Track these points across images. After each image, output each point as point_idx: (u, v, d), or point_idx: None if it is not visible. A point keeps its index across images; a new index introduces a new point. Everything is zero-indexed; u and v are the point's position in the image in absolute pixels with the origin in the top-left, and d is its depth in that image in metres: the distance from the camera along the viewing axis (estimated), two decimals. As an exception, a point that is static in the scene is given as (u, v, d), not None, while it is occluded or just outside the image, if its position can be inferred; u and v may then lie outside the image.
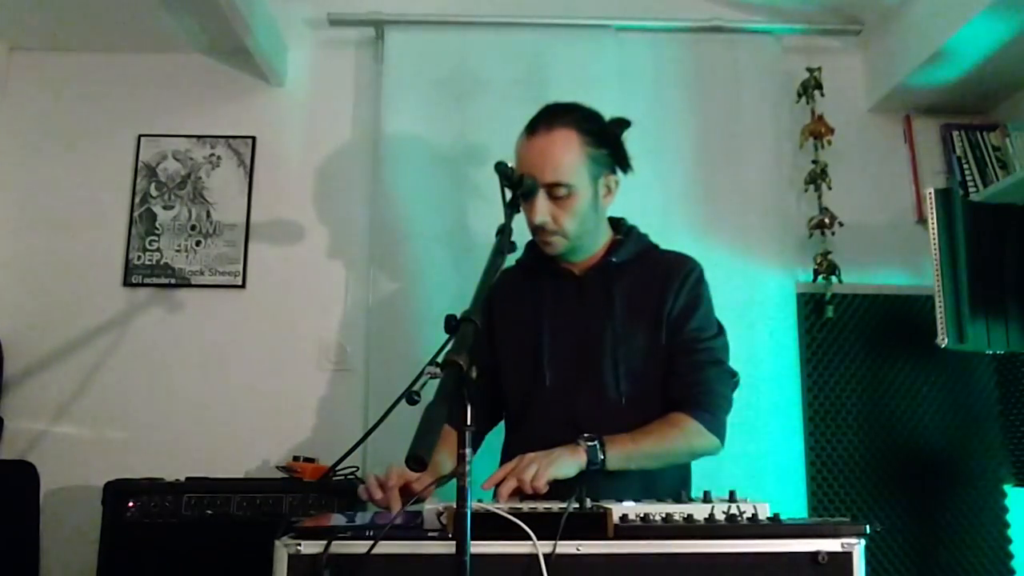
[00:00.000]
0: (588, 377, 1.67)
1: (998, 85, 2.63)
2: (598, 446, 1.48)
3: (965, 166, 2.66)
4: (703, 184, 2.63)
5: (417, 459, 0.97)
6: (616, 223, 1.81)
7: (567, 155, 1.62)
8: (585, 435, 1.50)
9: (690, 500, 1.29)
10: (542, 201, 1.61)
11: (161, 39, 2.69)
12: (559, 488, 1.38)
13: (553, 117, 1.65)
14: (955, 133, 2.70)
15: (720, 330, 1.72)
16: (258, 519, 2.08)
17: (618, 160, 1.74)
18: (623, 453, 1.51)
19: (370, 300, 2.59)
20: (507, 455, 1.73)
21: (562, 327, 1.72)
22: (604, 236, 1.77)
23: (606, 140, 1.70)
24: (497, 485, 1.40)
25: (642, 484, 1.53)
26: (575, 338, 1.70)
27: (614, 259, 1.73)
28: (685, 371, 1.65)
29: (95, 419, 2.53)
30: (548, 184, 1.61)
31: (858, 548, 1.13)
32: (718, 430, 1.63)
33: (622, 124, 1.75)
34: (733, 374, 1.71)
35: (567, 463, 1.44)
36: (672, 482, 1.61)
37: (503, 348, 1.78)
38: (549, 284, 1.76)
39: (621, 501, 1.23)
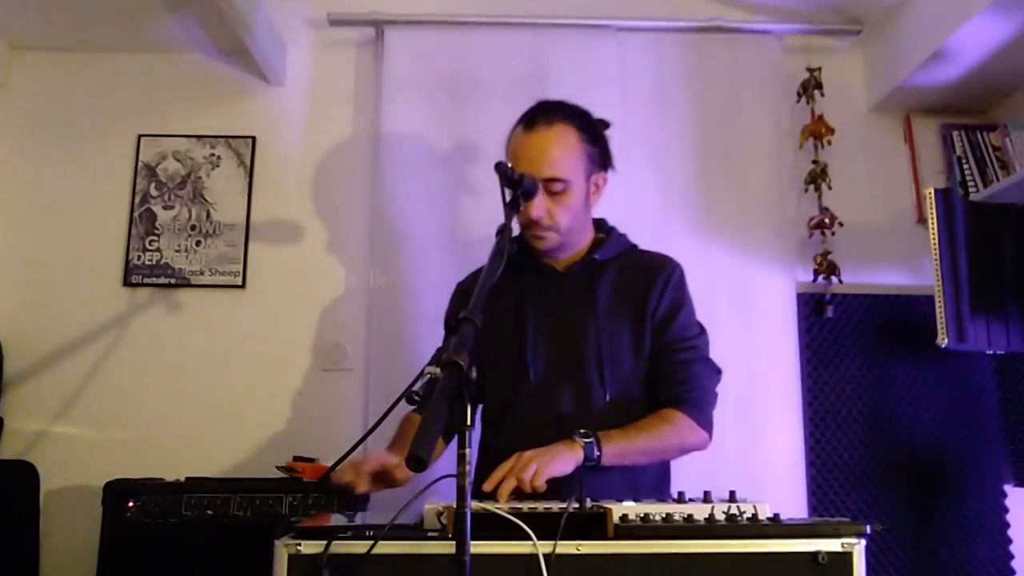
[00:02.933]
0: (572, 373, 1.67)
1: (998, 85, 2.63)
2: (594, 442, 1.48)
3: (965, 166, 2.66)
4: (703, 184, 2.63)
5: (417, 459, 0.97)
6: (597, 222, 1.83)
7: (566, 150, 1.64)
8: (581, 431, 1.49)
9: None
10: (539, 196, 1.61)
11: (161, 39, 2.69)
12: (553, 485, 1.38)
13: (552, 112, 1.67)
14: (955, 133, 2.69)
15: (702, 328, 1.75)
16: (258, 519, 2.07)
17: (606, 158, 1.76)
18: (618, 449, 1.51)
19: (370, 300, 2.58)
20: (485, 449, 1.73)
21: (545, 323, 1.72)
22: (588, 234, 1.79)
23: (597, 138, 1.72)
24: (496, 485, 1.39)
25: (625, 480, 1.54)
26: (558, 334, 1.71)
27: (597, 256, 1.74)
28: (673, 369, 1.67)
29: (95, 419, 2.53)
30: (546, 179, 1.62)
31: (858, 548, 1.13)
32: (707, 425, 1.65)
33: (605, 124, 1.78)
34: (718, 370, 1.73)
35: (565, 460, 1.43)
36: (654, 478, 1.65)
37: (484, 342, 1.77)
38: (532, 280, 1.75)
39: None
